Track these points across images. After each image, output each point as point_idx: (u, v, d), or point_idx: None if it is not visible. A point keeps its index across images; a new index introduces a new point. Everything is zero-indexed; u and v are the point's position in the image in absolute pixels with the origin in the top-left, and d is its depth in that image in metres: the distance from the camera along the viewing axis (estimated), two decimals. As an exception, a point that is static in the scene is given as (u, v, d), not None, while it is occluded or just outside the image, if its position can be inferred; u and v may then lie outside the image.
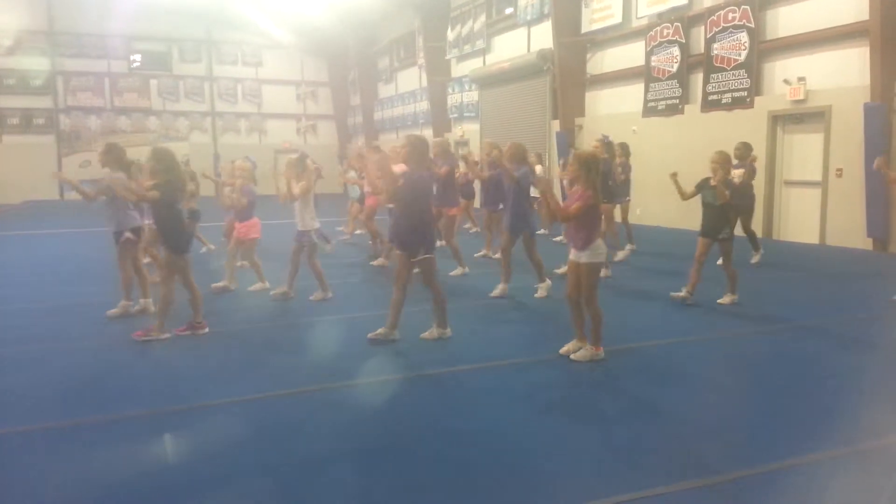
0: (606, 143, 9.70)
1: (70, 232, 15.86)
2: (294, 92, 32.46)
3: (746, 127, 12.69)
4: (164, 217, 6.07)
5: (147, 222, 7.55)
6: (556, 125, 18.04)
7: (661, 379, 5.04)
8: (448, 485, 3.43)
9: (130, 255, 7.08)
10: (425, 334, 6.04)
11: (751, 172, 9.79)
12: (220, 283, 8.41)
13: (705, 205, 7.22)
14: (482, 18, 21.51)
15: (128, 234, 6.96)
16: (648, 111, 15.41)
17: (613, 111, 16.64)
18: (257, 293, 8.21)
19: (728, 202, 7.05)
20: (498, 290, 7.83)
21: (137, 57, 29.53)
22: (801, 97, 11.94)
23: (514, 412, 4.41)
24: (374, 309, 6.89)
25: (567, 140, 17.33)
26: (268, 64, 31.60)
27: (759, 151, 12.63)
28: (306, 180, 7.60)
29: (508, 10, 20.52)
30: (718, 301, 7.29)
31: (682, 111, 14.55)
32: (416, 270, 6.02)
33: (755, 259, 9.94)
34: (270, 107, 31.78)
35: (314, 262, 7.78)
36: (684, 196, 7.29)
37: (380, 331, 5.95)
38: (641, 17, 15.56)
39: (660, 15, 15.00)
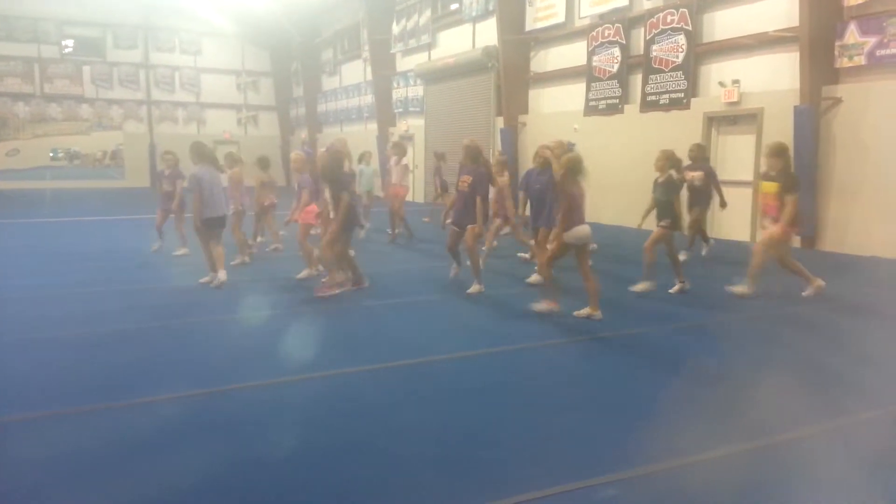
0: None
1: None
2: (234, 82, 31.79)
3: (683, 127, 13.07)
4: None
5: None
6: (500, 122, 18.21)
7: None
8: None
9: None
10: (470, 289, 7.77)
11: (710, 173, 10.40)
12: (304, 273, 8.84)
13: (654, 199, 8.12)
14: (427, 13, 21.51)
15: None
16: (590, 110, 15.70)
17: (556, 109, 16.89)
18: (305, 280, 8.70)
19: (675, 197, 7.93)
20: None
21: (70, 42, 28.40)
22: (735, 99, 12.36)
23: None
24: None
25: (511, 137, 17.53)
26: (207, 52, 30.83)
27: (695, 151, 13.03)
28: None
29: (454, 6, 20.58)
30: (632, 288, 7.96)
31: (621, 111, 14.88)
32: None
33: (705, 251, 10.79)
34: (210, 96, 31.05)
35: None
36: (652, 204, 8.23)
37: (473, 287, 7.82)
38: (584, 18, 15.82)
39: (602, 16, 15.28)
